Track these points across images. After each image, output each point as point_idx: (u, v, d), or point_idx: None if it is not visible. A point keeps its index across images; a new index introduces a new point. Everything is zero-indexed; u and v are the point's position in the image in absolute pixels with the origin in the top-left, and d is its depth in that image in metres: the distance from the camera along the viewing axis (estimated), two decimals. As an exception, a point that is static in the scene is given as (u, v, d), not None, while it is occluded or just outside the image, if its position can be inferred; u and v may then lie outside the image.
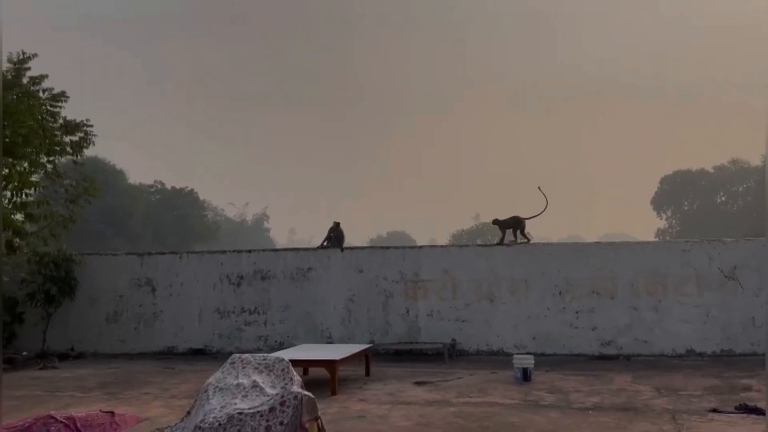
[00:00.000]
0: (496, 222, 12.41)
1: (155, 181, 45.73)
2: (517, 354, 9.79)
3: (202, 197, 47.94)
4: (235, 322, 12.72)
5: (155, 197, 44.65)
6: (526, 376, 8.93)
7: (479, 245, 12.11)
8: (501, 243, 12.16)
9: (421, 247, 13.10)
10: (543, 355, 11.07)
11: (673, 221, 53.21)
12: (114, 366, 11.42)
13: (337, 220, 12.89)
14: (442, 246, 12.54)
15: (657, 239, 50.62)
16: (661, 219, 54.10)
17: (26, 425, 6.79)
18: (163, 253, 13.60)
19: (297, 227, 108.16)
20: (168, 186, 45.65)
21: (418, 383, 9.01)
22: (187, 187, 45.77)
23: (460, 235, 55.30)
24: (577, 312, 11.41)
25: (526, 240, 12.02)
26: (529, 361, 9.05)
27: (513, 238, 12.09)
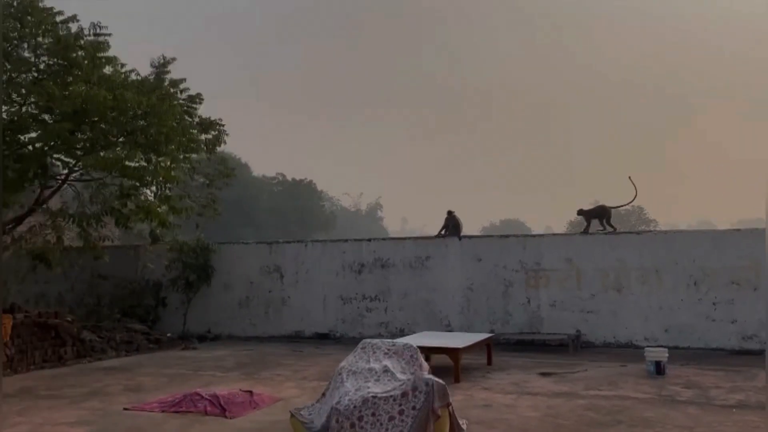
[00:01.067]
0: (581, 212, 12.15)
1: (277, 173, 47.90)
2: (649, 347, 9.36)
3: (319, 188, 49.56)
4: (357, 308, 13.10)
5: (277, 188, 46.71)
6: (659, 369, 8.53)
7: (604, 233, 11.64)
8: (585, 232, 11.81)
9: (542, 235, 12.82)
10: (676, 348, 10.49)
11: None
12: (247, 348, 12.15)
13: (451, 209, 12.88)
14: (564, 234, 12.20)
15: (802, 225, 46.10)
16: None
17: (176, 400, 7.43)
18: (289, 242, 14.27)
19: (409, 216, 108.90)
20: (288, 177, 47.63)
21: (543, 374, 8.86)
22: (306, 178, 47.55)
23: (578, 223, 53.28)
24: (714, 303, 10.70)
25: (612, 229, 11.54)
26: (662, 355, 8.63)
27: (601, 227, 11.66)
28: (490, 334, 10.18)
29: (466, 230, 12.86)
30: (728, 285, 10.63)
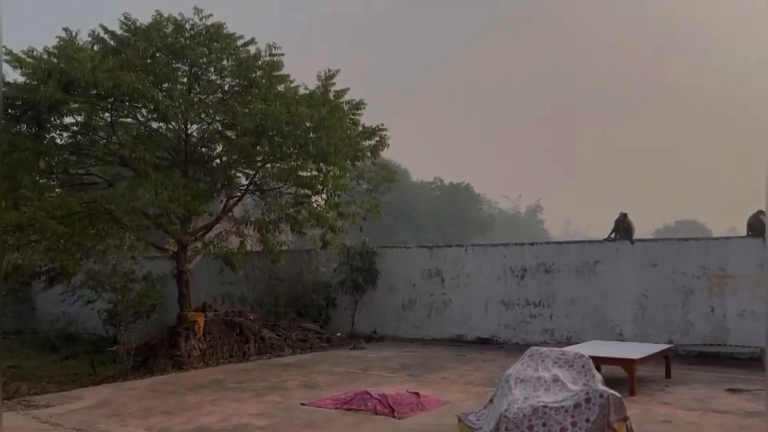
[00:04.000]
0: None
1: (435, 178, 48.49)
2: None
3: (477, 191, 49.34)
4: (520, 314, 12.85)
5: (435, 193, 47.25)
6: None
7: (803, 236, 10.33)
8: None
9: (728, 238, 11.72)
10: None
11: None
12: (411, 350, 12.42)
13: (624, 211, 12.19)
14: (753, 236, 10.99)
15: None
16: None
17: (348, 398, 7.80)
18: (450, 246, 14.38)
19: (572, 217, 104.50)
20: (446, 182, 48.00)
21: (732, 390, 8.09)
22: (463, 182, 47.59)
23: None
24: None
25: None
26: None
27: None
28: (669, 345, 9.48)
29: (638, 232, 12.10)
30: None
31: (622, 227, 12.03)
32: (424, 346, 13.02)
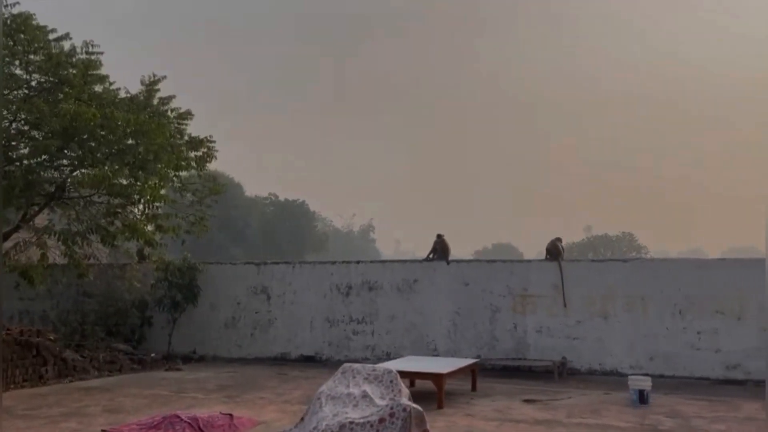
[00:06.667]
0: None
1: (269, 194, 47.90)
2: (633, 375, 9.34)
3: (312, 208, 49.57)
4: (344, 331, 13.03)
5: (269, 209, 46.69)
6: (642, 398, 8.50)
7: (592, 260, 11.67)
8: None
9: (530, 260, 12.84)
10: (661, 377, 10.47)
11: (811, 235, 48.58)
12: (232, 370, 12.04)
13: (441, 233, 12.90)
14: (551, 260, 12.17)
15: (792, 255, 46.31)
16: (797, 233, 49.55)
17: (155, 423, 7.33)
18: (277, 263, 14.21)
19: (402, 238, 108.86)
20: (281, 198, 47.65)
21: (527, 401, 8.82)
22: (298, 198, 47.59)
23: (570, 249, 53.41)
24: (699, 332, 10.70)
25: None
26: (646, 383, 8.61)
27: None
28: (475, 360, 10.14)
29: (460, 253, 12.89)
30: (713, 314, 10.64)
31: (440, 248, 12.71)
32: (246, 365, 12.70)
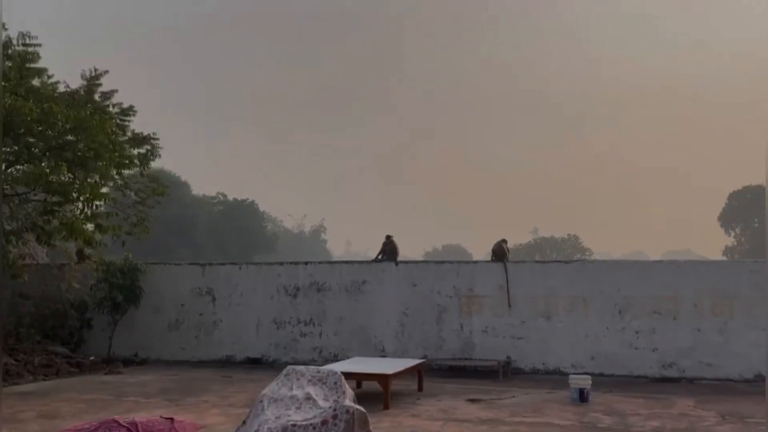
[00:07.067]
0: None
1: (218, 193, 47.13)
2: (574, 374, 9.57)
3: (262, 208, 49.02)
4: (291, 332, 12.92)
5: (217, 208, 45.93)
6: (583, 396, 8.72)
7: (536, 261, 11.93)
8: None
9: (476, 262, 13.02)
10: (601, 375, 10.77)
11: (742, 239, 50.96)
12: (175, 373, 11.77)
13: (390, 234, 12.95)
14: (496, 261, 12.38)
15: (725, 257, 48.50)
16: (729, 236, 51.92)
17: (92, 428, 7.09)
18: (223, 264, 13.98)
19: (353, 239, 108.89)
20: (230, 197, 46.94)
21: (472, 400, 8.92)
22: (247, 198, 46.96)
23: (518, 250, 54.47)
24: (637, 332, 11.07)
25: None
26: (586, 382, 8.83)
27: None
28: (421, 360, 10.20)
29: (410, 254, 13.03)
30: (650, 314, 11.02)
31: (388, 249, 12.75)
32: (190, 368, 12.43)
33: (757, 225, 49.91)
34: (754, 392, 9.60)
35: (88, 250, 11.43)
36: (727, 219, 51.68)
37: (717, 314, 10.76)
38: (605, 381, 10.42)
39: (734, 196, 51.16)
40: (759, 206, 49.09)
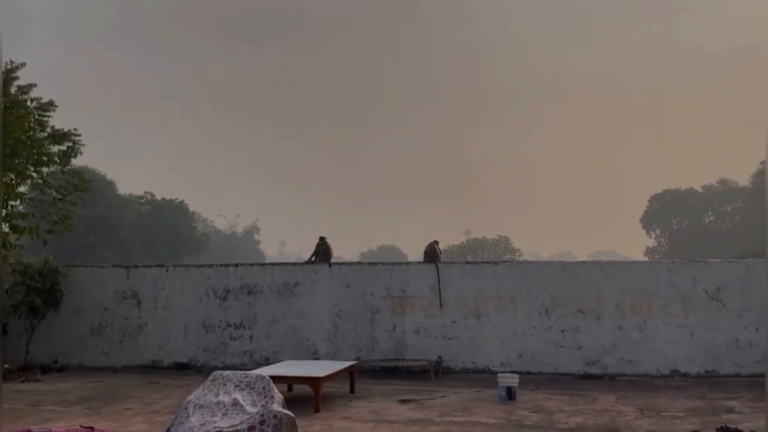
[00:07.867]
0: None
1: (145, 192, 45.48)
2: (502, 373, 9.78)
3: (192, 209, 47.72)
4: (220, 336, 12.64)
5: (145, 208, 44.39)
6: (510, 395, 8.92)
7: (466, 262, 12.15)
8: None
9: (408, 263, 13.12)
10: (529, 373, 11.06)
11: (662, 240, 53.46)
12: (97, 379, 11.31)
13: (323, 235, 12.88)
14: (428, 262, 12.51)
15: (646, 258, 50.81)
16: (650, 237, 54.37)
17: (4, 440, 6.73)
18: (149, 266, 13.53)
19: (288, 240, 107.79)
20: (158, 197, 45.46)
21: (403, 401, 8.97)
22: (177, 198, 45.62)
23: (450, 251, 55.25)
24: (563, 331, 11.42)
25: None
26: (513, 380, 9.03)
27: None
28: (353, 362, 10.18)
29: (346, 255, 12.95)
30: (575, 313, 11.40)
31: (321, 250, 12.67)
32: (114, 374, 11.97)
33: (675, 227, 52.55)
34: (669, 387, 10.09)
35: (2, 252, 10.80)
36: (648, 221, 54.10)
37: (637, 313, 11.24)
38: (532, 379, 10.70)
39: (655, 199, 53.60)
40: (678, 208, 51.70)
